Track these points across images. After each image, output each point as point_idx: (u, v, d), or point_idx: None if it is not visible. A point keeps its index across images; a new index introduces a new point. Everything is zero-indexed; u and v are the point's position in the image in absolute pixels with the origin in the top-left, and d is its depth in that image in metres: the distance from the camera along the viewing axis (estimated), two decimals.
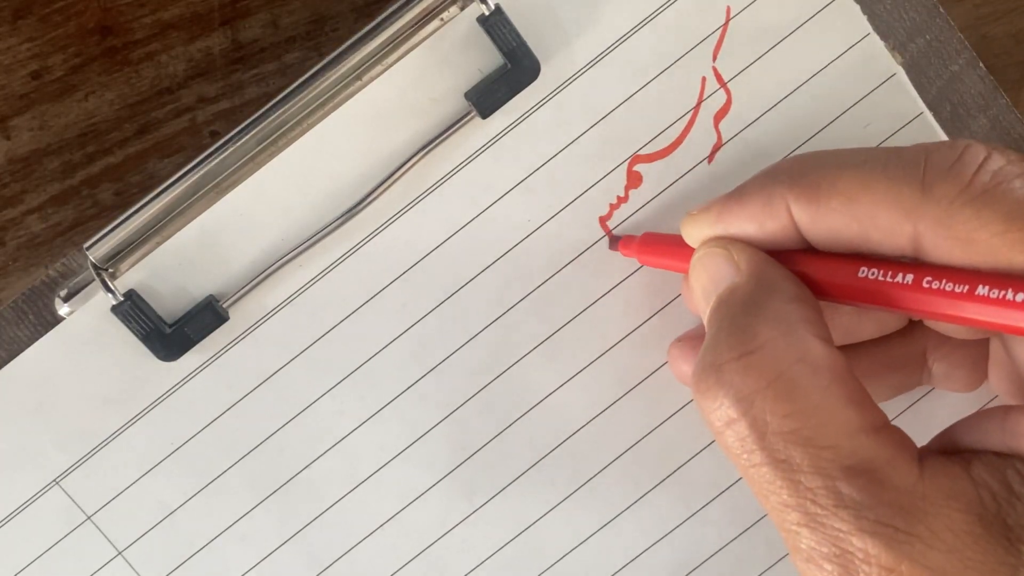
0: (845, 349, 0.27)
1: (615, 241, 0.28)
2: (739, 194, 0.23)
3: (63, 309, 0.28)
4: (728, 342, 0.21)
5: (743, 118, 0.28)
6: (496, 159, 0.28)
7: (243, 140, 0.27)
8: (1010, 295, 0.19)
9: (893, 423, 0.21)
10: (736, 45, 0.28)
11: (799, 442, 0.20)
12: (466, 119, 0.28)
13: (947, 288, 0.20)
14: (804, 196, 0.22)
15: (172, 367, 0.28)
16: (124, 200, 0.31)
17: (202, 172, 0.27)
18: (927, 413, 0.29)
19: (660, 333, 0.29)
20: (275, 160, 0.27)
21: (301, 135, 0.27)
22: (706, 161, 0.29)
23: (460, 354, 0.29)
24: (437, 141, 0.28)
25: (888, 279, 0.21)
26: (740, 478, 0.29)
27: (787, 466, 0.20)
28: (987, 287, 0.19)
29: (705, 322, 0.23)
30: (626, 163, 0.28)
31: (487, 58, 0.28)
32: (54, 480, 0.28)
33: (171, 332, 0.27)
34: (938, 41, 0.29)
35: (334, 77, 0.27)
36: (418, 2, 0.27)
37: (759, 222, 0.23)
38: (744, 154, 0.29)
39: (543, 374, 0.29)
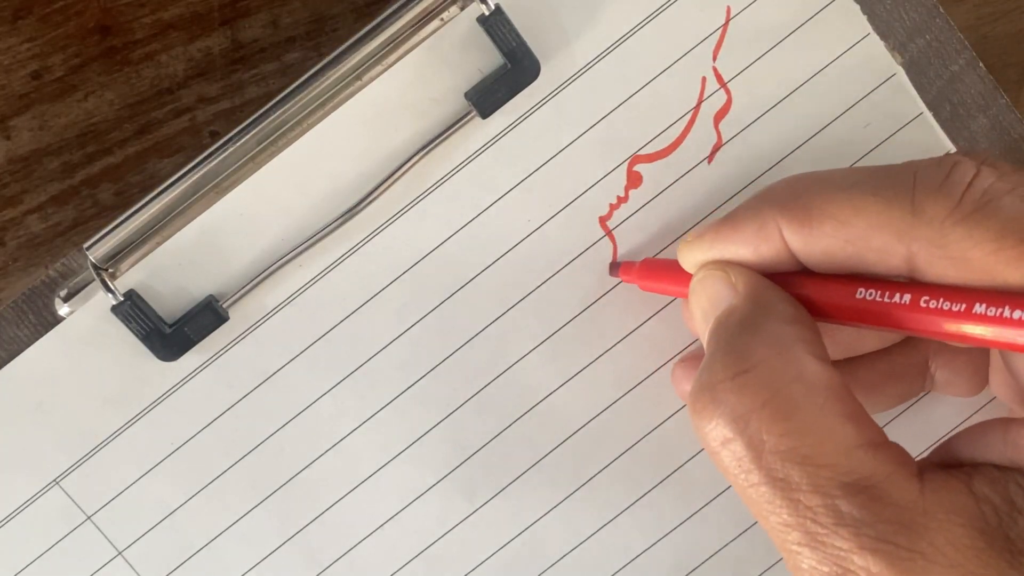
0: (848, 362, 0.27)
1: (615, 267, 0.28)
2: (732, 219, 0.23)
3: (63, 309, 0.28)
4: (723, 362, 0.21)
5: (743, 118, 0.28)
6: (496, 159, 0.28)
7: (243, 140, 0.27)
8: (1007, 312, 0.19)
9: (892, 424, 0.21)
10: (736, 45, 0.28)
11: (797, 460, 0.20)
12: (466, 119, 0.28)
13: (944, 307, 0.20)
14: (796, 221, 0.22)
15: (172, 367, 0.28)
16: (124, 200, 0.31)
17: (202, 172, 0.27)
18: (925, 415, 0.29)
19: (660, 333, 0.29)
20: (275, 160, 0.27)
21: (301, 135, 0.27)
22: (706, 161, 0.29)
23: (460, 354, 0.29)
24: (437, 141, 0.28)
25: (886, 299, 0.21)
26: None
27: (785, 485, 0.20)
28: (984, 305, 0.19)
29: (704, 344, 0.23)
30: (626, 163, 0.28)
31: (487, 58, 0.28)
32: (54, 480, 0.28)
33: (171, 332, 0.27)
34: (938, 41, 0.29)
35: (334, 77, 0.27)
36: (418, 2, 0.27)
37: (753, 246, 0.23)
38: (744, 154, 0.29)
39: (543, 374, 0.29)
